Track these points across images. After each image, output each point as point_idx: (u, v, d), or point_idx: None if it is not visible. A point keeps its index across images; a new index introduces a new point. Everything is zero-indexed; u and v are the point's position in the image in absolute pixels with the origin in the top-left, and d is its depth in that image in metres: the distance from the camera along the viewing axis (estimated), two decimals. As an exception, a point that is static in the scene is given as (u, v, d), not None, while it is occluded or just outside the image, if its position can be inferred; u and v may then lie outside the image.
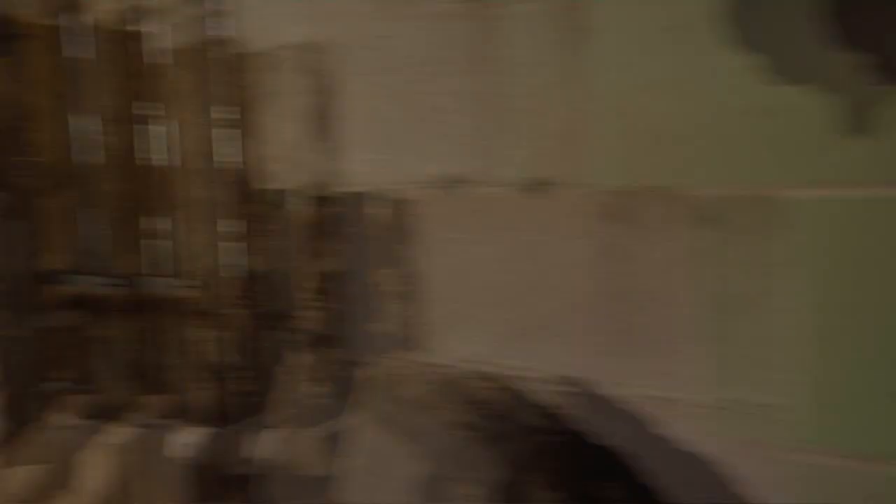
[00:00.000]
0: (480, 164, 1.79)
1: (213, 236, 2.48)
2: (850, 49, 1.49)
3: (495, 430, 1.93)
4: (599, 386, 1.74)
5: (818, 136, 1.51)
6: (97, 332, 3.25)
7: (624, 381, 1.71)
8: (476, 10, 1.77)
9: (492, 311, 1.85)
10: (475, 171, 1.80)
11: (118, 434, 2.73)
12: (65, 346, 3.31)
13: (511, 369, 1.86)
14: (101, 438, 2.86)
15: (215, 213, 2.44)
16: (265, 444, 2.54)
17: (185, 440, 2.47)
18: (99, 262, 3.25)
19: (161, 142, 2.56)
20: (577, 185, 1.67)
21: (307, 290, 2.44)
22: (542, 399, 1.85)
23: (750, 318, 1.61)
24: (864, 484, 1.54)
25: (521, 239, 1.79)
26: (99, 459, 2.80)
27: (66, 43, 2.91)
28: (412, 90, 1.90)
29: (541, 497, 1.87)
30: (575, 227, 1.71)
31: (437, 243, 1.94)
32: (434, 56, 1.85)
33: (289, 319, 2.44)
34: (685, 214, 1.62)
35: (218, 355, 2.58)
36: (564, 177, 1.68)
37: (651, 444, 1.72)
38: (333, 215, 2.22)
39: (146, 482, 2.49)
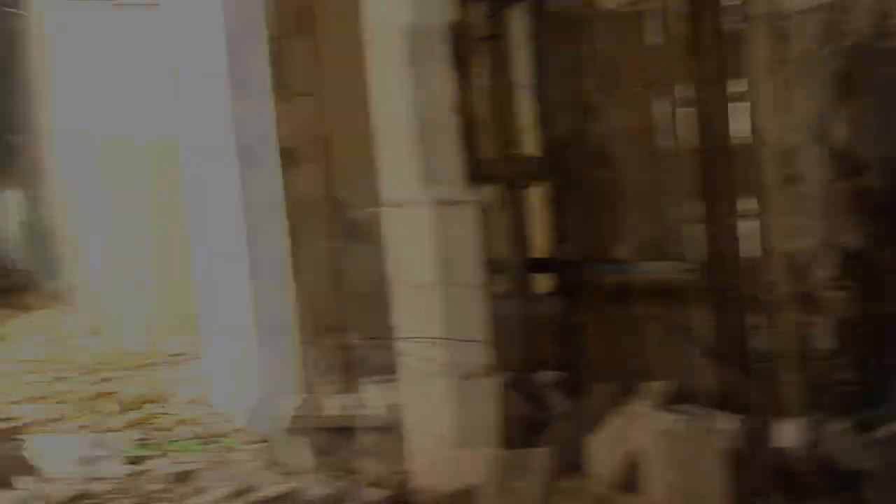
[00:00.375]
0: None
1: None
2: None
3: None
4: None
5: None
6: (586, 317, 3.31)
7: None
8: None
9: None
10: None
11: (638, 420, 2.73)
12: (557, 331, 3.41)
13: None
14: (614, 422, 2.88)
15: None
16: (800, 434, 2.39)
17: (729, 428, 2.40)
18: (587, 249, 3.31)
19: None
20: None
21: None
22: None
23: None
24: None
25: None
26: (614, 444, 2.82)
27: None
28: None
29: None
30: None
31: None
32: None
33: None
34: None
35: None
36: None
37: None
38: None
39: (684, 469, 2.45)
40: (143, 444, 5.22)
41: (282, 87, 4.28)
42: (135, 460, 4.89)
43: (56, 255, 16.03)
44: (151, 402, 6.23)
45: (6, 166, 27.11)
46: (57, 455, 5.23)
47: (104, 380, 7.43)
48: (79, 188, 10.95)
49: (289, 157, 4.29)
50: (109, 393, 6.83)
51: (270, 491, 3.41)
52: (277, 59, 4.26)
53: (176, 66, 5.91)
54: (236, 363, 5.12)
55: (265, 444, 4.47)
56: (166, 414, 5.89)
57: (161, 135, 8.33)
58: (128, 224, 8.74)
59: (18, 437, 4.86)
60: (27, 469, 4.73)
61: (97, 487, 4.47)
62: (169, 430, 5.44)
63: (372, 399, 4.01)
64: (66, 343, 9.87)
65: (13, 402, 6.94)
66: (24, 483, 4.47)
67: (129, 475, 4.65)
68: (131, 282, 8.80)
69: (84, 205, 10.74)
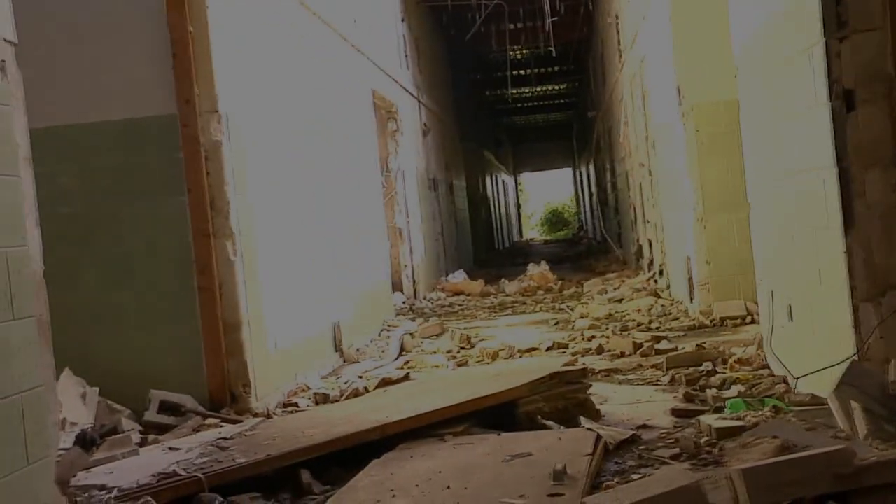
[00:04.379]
0: None
1: None
2: None
3: None
4: None
5: None
6: None
7: None
8: None
9: None
10: None
11: None
12: None
13: None
14: None
15: None
16: None
17: None
18: None
19: None
20: None
21: None
22: None
23: None
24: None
25: None
26: None
27: None
28: None
29: None
30: None
31: None
32: None
33: None
34: None
35: None
36: None
37: None
38: None
39: None
40: (692, 399, 5.27)
41: (840, 24, 3.96)
42: (683, 413, 4.96)
43: (625, 223, 16.93)
44: (702, 360, 6.25)
45: (586, 142, 29.29)
46: (614, 402, 5.53)
47: (658, 337, 7.67)
48: (661, 156, 11.29)
49: (847, 99, 3.96)
50: (665, 350, 7.01)
51: (816, 449, 3.19)
52: (835, -6, 3.95)
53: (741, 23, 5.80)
54: (801, 326, 4.90)
55: (819, 407, 4.23)
56: (718, 372, 5.87)
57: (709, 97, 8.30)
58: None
59: (585, 381, 5.21)
60: (591, 411, 5.06)
61: (648, 435, 4.63)
62: (719, 387, 5.42)
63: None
64: (625, 304, 10.39)
65: (576, 353, 7.49)
66: (586, 423, 4.79)
67: (678, 426, 4.74)
68: (692, 246, 8.91)
69: (663, 172, 11.03)
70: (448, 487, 3.77)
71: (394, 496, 3.75)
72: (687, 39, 8.53)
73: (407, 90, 14.27)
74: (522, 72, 25.77)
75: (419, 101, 15.46)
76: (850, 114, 3.96)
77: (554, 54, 18.84)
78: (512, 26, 19.29)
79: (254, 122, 6.55)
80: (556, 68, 26.25)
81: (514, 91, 28.13)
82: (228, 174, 5.96)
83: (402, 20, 14.78)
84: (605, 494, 3.31)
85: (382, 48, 12.50)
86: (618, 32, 14.43)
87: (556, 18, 14.84)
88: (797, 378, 4.20)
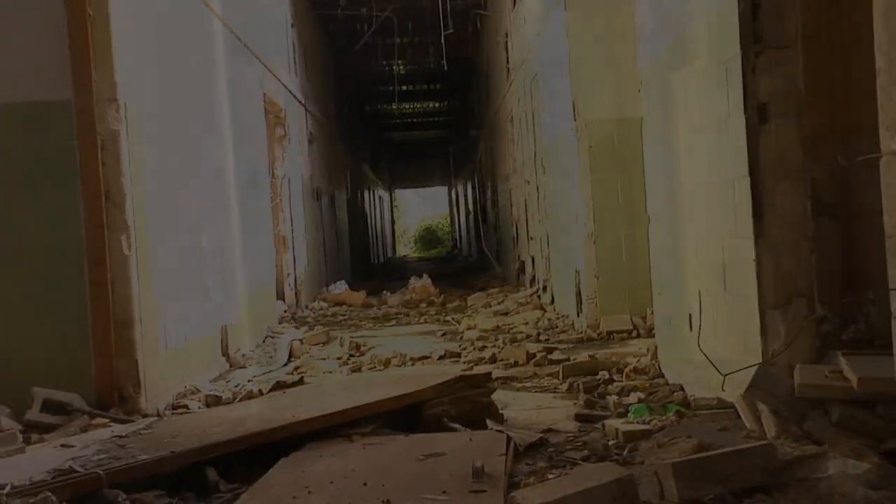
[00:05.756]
0: None
1: None
2: None
3: None
4: None
5: None
6: None
7: None
8: None
9: None
10: None
11: None
12: None
13: None
14: None
15: None
16: None
17: None
18: None
19: None
20: None
21: None
22: None
23: None
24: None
25: None
26: None
27: None
28: None
29: None
30: None
31: None
32: None
33: None
34: None
35: None
36: None
37: None
38: None
39: None
40: (593, 405, 5.35)
41: (756, 39, 4.11)
42: (586, 418, 5.03)
43: (506, 240, 17.16)
44: (598, 369, 6.37)
45: (464, 160, 29.53)
46: (514, 407, 5.56)
47: (550, 348, 7.77)
48: (550, 172, 11.48)
49: (761, 112, 4.11)
50: (558, 360, 7.11)
51: (736, 447, 3.28)
52: (751, 10, 4.10)
53: (644, 45, 5.96)
54: (691, 333, 5.04)
55: (722, 410, 4.35)
56: (615, 381, 5.98)
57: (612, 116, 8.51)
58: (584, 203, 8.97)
59: (490, 385, 5.23)
60: (496, 415, 5.08)
61: (554, 438, 4.67)
62: (619, 394, 5.52)
63: (847, 370, 3.71)
64: (511, 317, 10.50)
65: (470, 362, 7.51)
66: (494, 425, 4.79)
67: (583, 431, 4.80)
68: (576, 261, 9.08)
69: (552, 189, 11.22)
70: (365, 484, 3.70)
71: (310, 492, 3.65)
72: (583, 57, 8.71)
73: (295, 96, 14.09)
74: (405, 87, 25.86)
75: (306, 109, 15.28)
76: (764, 126, 4.12)
77: (446, 68, 18.94)
78: (399, 40, 19.33)
79: (152, 113, 6.32)
80: (438, 86, 26.44)
81: (396, 106, 28.20)
82: (125, 165, 5.72)
83: (293, 26, 14.60)
84: (534, 489, 3.31)
85: (273, 52, 12.31)
86: (507, 50, 14.65)
87: (450, 31, 14.95)
88: (724, 375, 4.32)
